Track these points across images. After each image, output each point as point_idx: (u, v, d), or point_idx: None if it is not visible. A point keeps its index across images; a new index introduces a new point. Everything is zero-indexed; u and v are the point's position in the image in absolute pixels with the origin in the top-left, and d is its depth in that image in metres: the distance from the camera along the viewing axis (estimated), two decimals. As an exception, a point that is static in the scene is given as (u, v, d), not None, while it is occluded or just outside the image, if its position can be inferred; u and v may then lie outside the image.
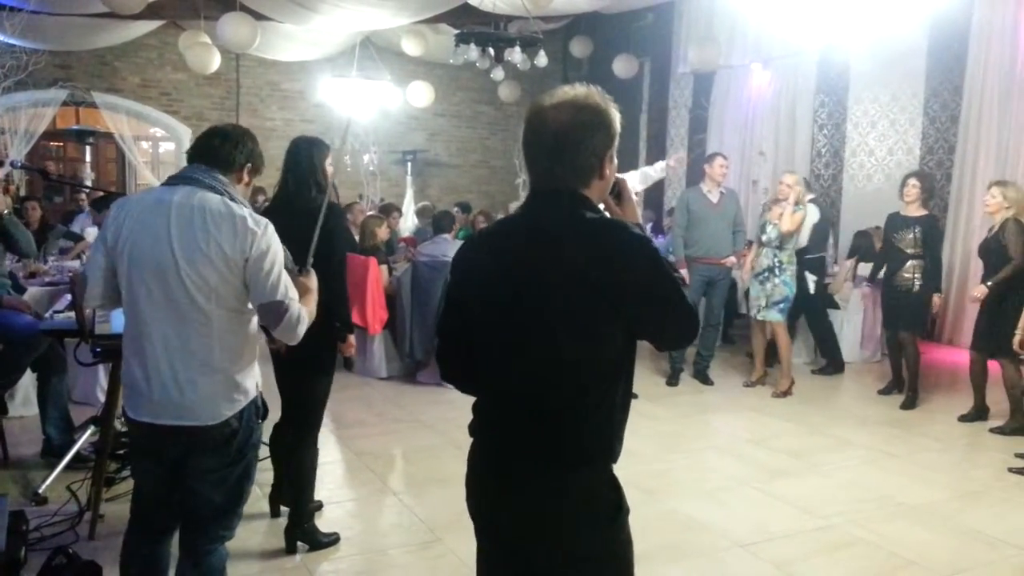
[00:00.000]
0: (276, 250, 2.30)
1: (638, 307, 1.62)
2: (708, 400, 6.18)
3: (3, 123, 9.52)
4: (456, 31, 9.30)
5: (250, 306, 2.32)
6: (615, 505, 1.72)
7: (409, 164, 11.46)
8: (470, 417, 1.83)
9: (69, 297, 4.36)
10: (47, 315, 4.18)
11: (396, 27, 9.26)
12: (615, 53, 10.74)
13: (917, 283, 5.72)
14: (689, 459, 4.80)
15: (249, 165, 2.49)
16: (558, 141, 1.66)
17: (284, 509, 3.74)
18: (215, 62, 8.78)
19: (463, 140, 12.45)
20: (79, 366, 4.25)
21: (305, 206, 3.27)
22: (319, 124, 11.11)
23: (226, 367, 2.29)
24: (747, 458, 4.84)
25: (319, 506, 3.86)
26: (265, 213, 2.64)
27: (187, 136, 10.21)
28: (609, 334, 1.63)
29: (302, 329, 2.35)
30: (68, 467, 4.04)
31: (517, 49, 8.58)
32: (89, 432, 4.17)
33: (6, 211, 4.28)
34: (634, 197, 1.89)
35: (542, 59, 8.89)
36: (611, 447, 1.70)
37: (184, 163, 2.51)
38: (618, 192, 1.81)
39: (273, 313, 2.29)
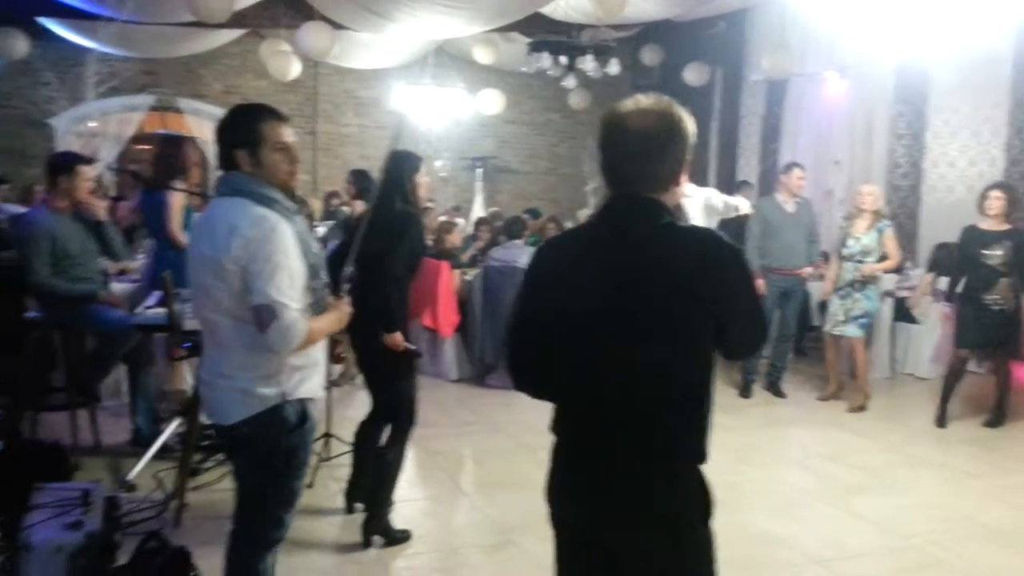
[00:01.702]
0: (271, 252, 2.18)
1: (725, 315, 1.65)
2: (780, 413, 6.08)
3: (96, 127, 9.99)
4: (528, 39, 9.38)
5: None
6: (704, 506, 1.73)
7: (479, 170, 11.58)
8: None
9: (159, 294, 4.54)
10: (138, 310, 4.36)
11: (469, 36, 9.37)
12: (686, 61, 10.66)
13: (1012, 302, 5.47)
14: (762, 472, 4.73)
15: (241, 151, 2.28)
16: (642, 147, 1.69)
17: (358, 505, 3.83)
18: (295, 70, 9.03)
19: (532, 147, 12.51)
20: (168, 360, 4.45)
21: (383, 216, 3.40)
22: (391, 131, 11.30)
23: (235, 374, 2.28)
24: (822, 473, 4.75)
25: (391, 504, 3.93)
26: (360, 220, 2.76)
27: (265, 141, 10.47)
28: (702, 339, 1.66)
29: (296, 343, 2.22)
30: (155, 456, 4.20)
31: (589, 57, 8.60)
32: (176, 424, 4.33)
33: (104, 217, 4.50)
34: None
35: (614, 67, 8.90)
36: (701, 449, 1.72)
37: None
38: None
39: (258, 316, 2.18)
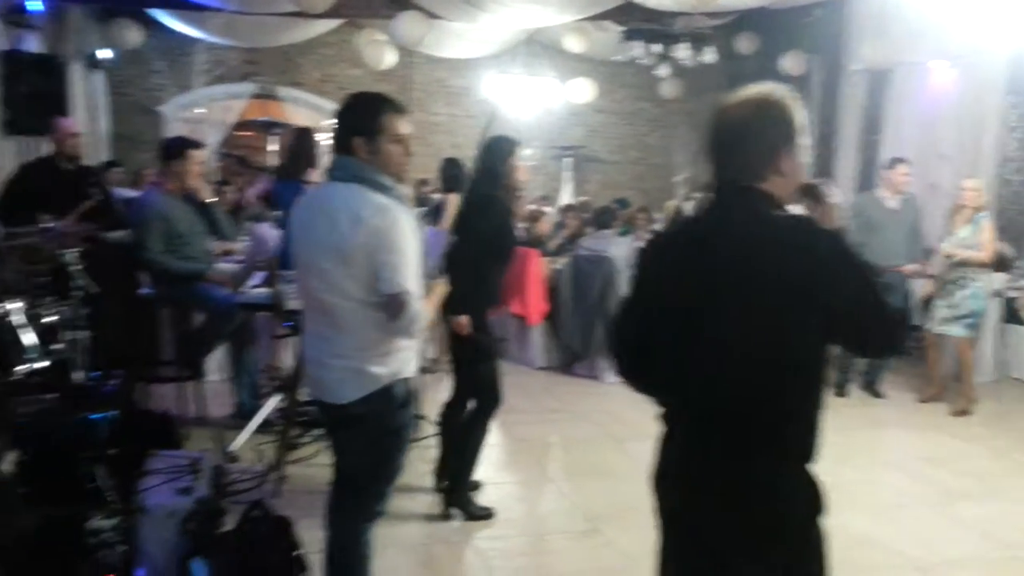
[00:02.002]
0: (398, 242, 2.25)
1: (834, 306, 1.60)
2: (878, 414, 5.88)
3: (201, 114, 10.41)
4: (620, 28, 9.28)
5: (378, 298, 2.30)
6: (813, 504, 1.69)
7: (568, 160, 11.55)
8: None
9: (262, 274, 4.71)
10: (243, 290, 4.53)
11: (560, 24, 9.35)
12: (783, 50, 10.36)
13: None
14: (859, 473, 4.58)
15: (359, 138, 2.32)
16: (730, 135, 1.70)
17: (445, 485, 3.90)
18: (389, 59, 9.19)
19: (622, 137, 12.39)
20: (270, 338, 4.62)
21: (474, 200, 3.49)
22: (481, 120, 11.36)
23: (353, 355, 2.35)
24: (922, 477, 4.58)
25: (478, 485, 3.99)
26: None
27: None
28: (806, 332, 1.62)
29: (417, 328, 2.32)
30: (256, 430, 4.38)
31: (684, 45, 8.46)
32: (276, 399, 4.50)
33: (211, 199, 4.70)
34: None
35: (709, 55, 8.72)
36: (810, 446, 1.68)
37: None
38: (812, 194, 1.78)
39: (389, 306, 2.27)
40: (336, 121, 2.42)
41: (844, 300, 1.61)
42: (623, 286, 6.25)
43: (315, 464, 4.12)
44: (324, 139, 6.34)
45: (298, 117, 10.78)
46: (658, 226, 7.82)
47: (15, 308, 3.40)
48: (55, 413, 3.46)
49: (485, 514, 3.77)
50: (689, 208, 5.52)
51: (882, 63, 8.98)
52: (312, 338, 2.47)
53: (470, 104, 11.55)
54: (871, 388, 6.20)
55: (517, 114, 10.62)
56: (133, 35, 9.23)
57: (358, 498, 2.52)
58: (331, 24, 9.88)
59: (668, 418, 1.80)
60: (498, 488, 4.15)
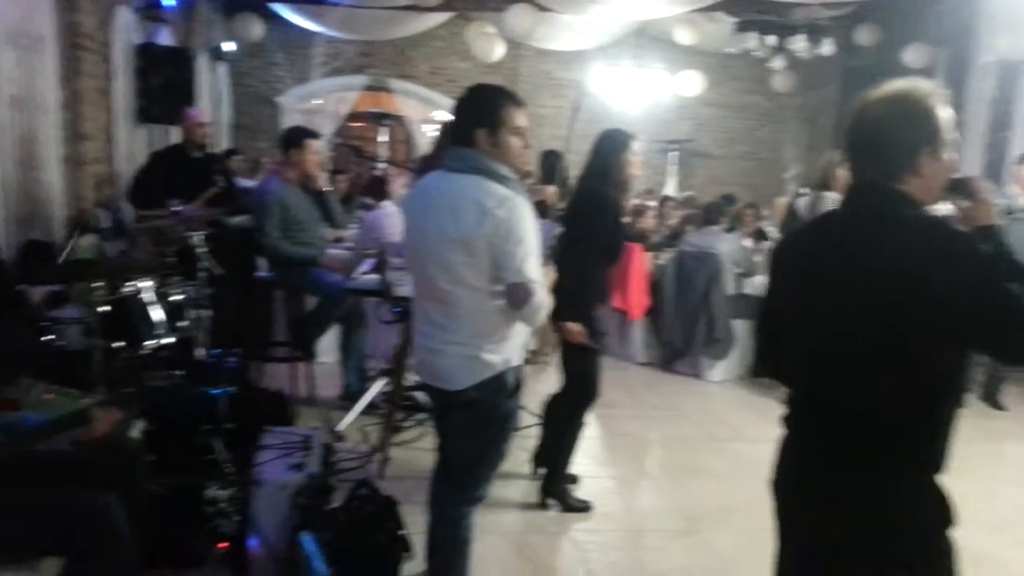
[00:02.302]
0: (522, 232, 2.28)
1: (961, 311, 1.52)
2: (999, 427, 5.55)
3: (317, 105, 10.80)
4: (733, 19, 9.06)
5: (500, 287, 2.34)
6: (940, 514, 1.63)
7: (673, 154, 11.37)
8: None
9: (372, 261, 4.85)
10: (354, 275, 4.68)
11: (671, 16, 9.20)
12: (905, 42, 9.86)
13: None
14: (976, 487, 4.32)
15: (481, 130, 2.36)
16: (868, 134, 1.64)
17: (541, 471, 3.93)
18: (498, 51, 9.27)
19: (730, 130, 12.10)
20: (378, 323, 4.76)
21: (585, 196, 3.48)
22: (586, 111, 11.31)
23: (468, 342, 2.39)
24: (1045, 494, 4.32)
25: (575, 479, 4.00)
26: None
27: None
28: (932, 337, 1.55)
29: (541, 316, 2.37)
30: (362, 412, 4.52)
31: (801, 37, 8.19)
32: (382, 383, 4.63)
33: (326, 188, 4.87)
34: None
35: (827, 47, 8.41)
36: (934, 455, 1.62)
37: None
38: (964, 190, 1.70)
39: (514, 295, 2.32)
40: (456, 113, 2.47)
41: (971, 306, 1.53)
42: (728, 283, 6.12)
43: (418, 448, 4.24)
44: (432, 131, 6.45)
45: (408, 108, 11.05)
46: (766, 224, 7.61)
47: (146, 287, 3.62)
48: (179, 387, 3.67)
49: (582, 506, 3.79)
50: (802, 206, 5.34)
51: (1015, 55, 8.44)
52: (425, 325, 2.51)
53: (576, 97, 11.52)
54: (991, 399, 5.86)
55: (624, 106, 10.52)
56: (255, 28, 9.64)
57: (461, 482, 2.58)
58: (442, 17, 10.05)
59: (791, 420, 1.77)
60: (595, 482, 4.15)
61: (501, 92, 2.46)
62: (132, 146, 7.00)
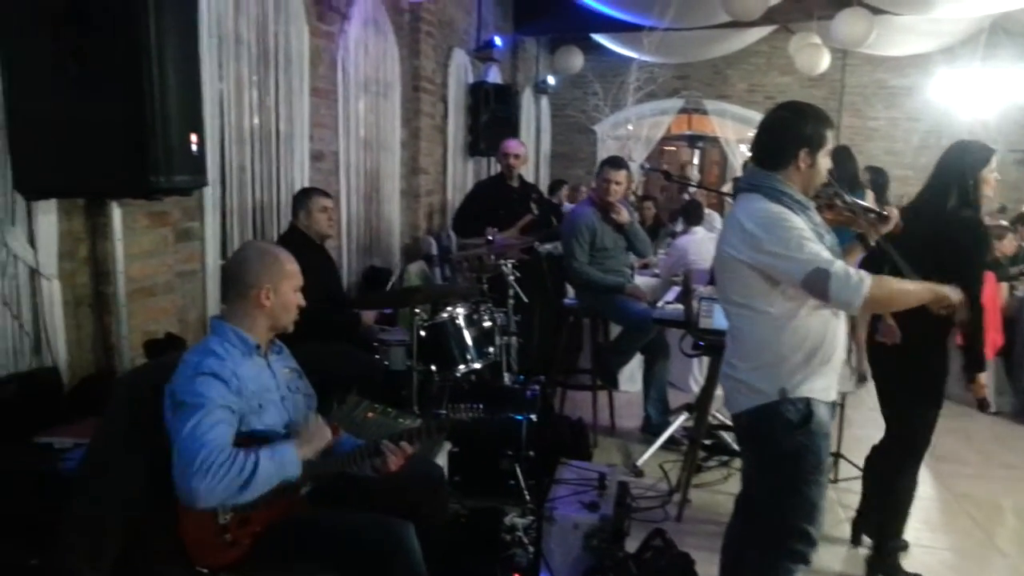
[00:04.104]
0: (774, 231, 2.17)
1: None
2: None
3: (631, 131, 10.93)
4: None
5: (771, 309, 2.24)
6: None
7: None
8: None
9: (678, 290, 4.70)
10: (659, 305, 4.56)
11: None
12: None
13: None
14: None
15: (804, 150, 2.28)
16: None
17: (867, 540, 3.48)
18: (824, 63, 8.66)
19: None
20: (680, 354, 4.59)
21: (931, 214, 3.00)
22: (925, 122, 10.15)
23: (738, 365, 2.35)
24: None
25: (905, 545, 3.49)
26: (902, 212, 2.58)
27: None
28: None
29: (865, 288, 2.10)
30: (662, 446, 4.37)
31: None
32: (683, 417, 4.45)
33: (631, 220, 4.80)
34: None
35: None
36: None
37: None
38: None
39: (811, 289, 2.16)
40: (775, 130, 2.34)
41: None
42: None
43: (720, 491, 3.99)
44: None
45: (723, 129, 10.74)
46: None
47: (462, 313, 3.82)
48: (485, 412, 3.82)
49: (914, 582, 3.28)
50: None
51: None
52: (725, 349, 2.50)
53: (913, 106, 10.40)
54: None
55: (972, 112, 9.26)
56: (576, 60, 10.01)
57: (765, 530, 2.38)
58: (762, 32, 9.64)
59: None
60: (932, 553, 3.58)
61: (823, 112, 2.37)
62: (462, 178, 7.60)
